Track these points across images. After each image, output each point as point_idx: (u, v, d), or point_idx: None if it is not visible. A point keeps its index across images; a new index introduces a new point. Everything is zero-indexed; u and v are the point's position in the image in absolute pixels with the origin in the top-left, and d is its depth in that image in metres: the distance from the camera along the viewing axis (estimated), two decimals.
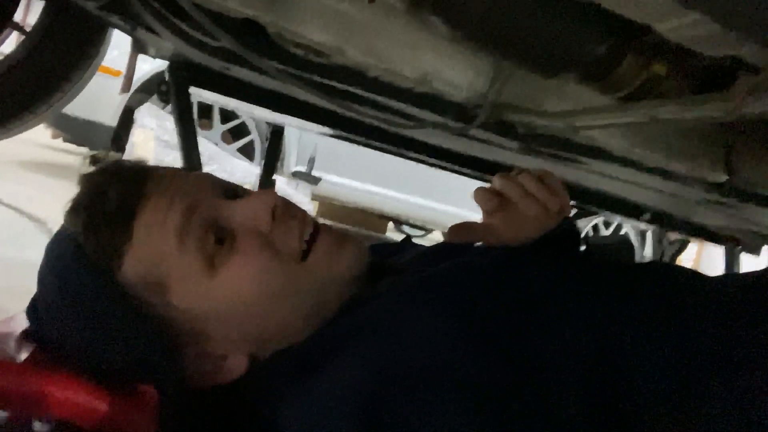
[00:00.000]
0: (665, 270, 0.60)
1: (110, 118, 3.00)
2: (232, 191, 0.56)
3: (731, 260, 1.83)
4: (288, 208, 0.56)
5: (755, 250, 1.82)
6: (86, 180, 0.54)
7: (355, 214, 4.33)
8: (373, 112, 0.91)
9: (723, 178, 0.95)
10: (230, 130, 3.31)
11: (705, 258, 5.49)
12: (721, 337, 0.48)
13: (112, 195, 0.51)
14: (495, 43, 0.68)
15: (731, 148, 0.91)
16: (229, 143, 3.30)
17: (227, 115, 3.22)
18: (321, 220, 0.60)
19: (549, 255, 0.60)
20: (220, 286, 0.50)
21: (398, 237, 5.06)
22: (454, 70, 0.76)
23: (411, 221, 4.32)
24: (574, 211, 3.45)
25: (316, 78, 0.81)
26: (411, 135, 1.24)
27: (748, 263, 1.81)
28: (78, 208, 0.52)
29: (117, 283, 0.49)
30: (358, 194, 3.69)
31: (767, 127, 0.84)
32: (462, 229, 0.69)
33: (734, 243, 1.78)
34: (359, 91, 0.84)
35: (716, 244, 1.84)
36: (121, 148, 2.96)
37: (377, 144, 1.30)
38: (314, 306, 0.54)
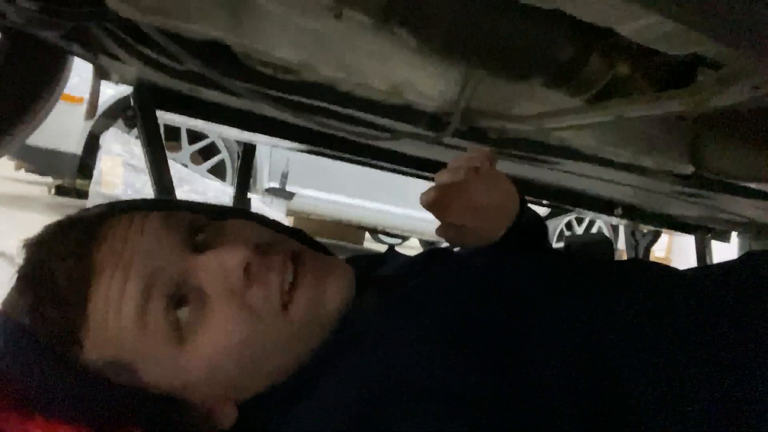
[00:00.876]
0: (645, 269, 0.61)
1: (75, 146, 2.94)
2: (200, 244, 0.50)
3: (702, 248, 1.87)
4: (264, 259, 0.50)
5: (725, 237, 1.87)
6: (29, 252, 0.49)
7: (331, 227, 4.31)
8: (346, 126, 0.91)
9: (690, 169, 0.97)
10: (200, 150, 3.27)
11: (676, 246, 5.62)
12: (705, 335, 0.50)
13: (60, 273, 0.46)
14: (462, 52, 0.69)
15: (696, 140, 0.93)
16: (198, 164, 3.26)
17: (195, 136, 3.18)
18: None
19: (530, 258, 0.60)
20: (193, 356, 0.47)
21: (375, 247, 5.06)
22: (425, 80, 0.77)
23: (387, 230, 4.33)
24: (548, 211, 3.51)
25: (287, 95, 0.81)
26: (384, 146, 1.24)
27: (719, 249, 1.85)
28: (23, 289, 0.47)
29: (80, 366, 0.46)
30: (334, 206, 3.68)
31: (730, 118, 0.87)
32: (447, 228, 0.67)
33: (705, 231, 1.83)
34: (331, 106, 0.84)
35: (687, 234, 1.88)
36: (88, 176, 2.90)
37: (352, 157, 1.30)
38: (301, 346, 0.51)
